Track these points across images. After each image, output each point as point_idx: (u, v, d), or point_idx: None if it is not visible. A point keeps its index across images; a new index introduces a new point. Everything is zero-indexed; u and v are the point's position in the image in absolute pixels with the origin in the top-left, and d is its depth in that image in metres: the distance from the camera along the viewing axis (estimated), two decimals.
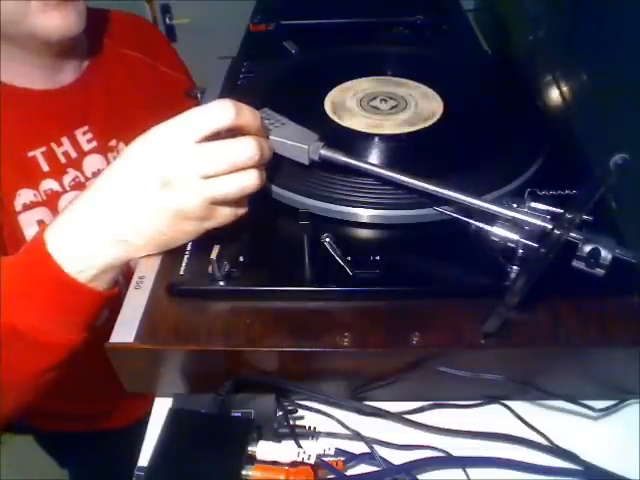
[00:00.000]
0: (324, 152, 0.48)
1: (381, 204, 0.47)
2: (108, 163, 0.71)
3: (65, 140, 0.68)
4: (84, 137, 0.70)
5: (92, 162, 0.70)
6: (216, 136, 0.42)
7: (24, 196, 0.64)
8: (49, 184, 0.66)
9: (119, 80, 0.74)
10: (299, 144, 0.48)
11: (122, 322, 0.42)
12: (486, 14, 0.93)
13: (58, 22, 0.59)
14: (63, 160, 0.67)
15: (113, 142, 0.72)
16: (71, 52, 0.68)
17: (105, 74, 0.73)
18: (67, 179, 0.68)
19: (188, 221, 0.42)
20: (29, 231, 0.64)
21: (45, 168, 0.66)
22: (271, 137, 0.48)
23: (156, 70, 0.79)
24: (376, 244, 0.46)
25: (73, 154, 0.68)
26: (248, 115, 0.42)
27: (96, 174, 0.70)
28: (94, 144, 0.70)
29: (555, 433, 0.40)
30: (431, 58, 0.68)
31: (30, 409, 0.53)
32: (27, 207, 0.64)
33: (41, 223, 0.64)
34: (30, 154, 0.65)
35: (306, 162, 0.48)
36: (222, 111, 0.41)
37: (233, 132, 0.42)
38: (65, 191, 0.67)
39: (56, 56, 0.66)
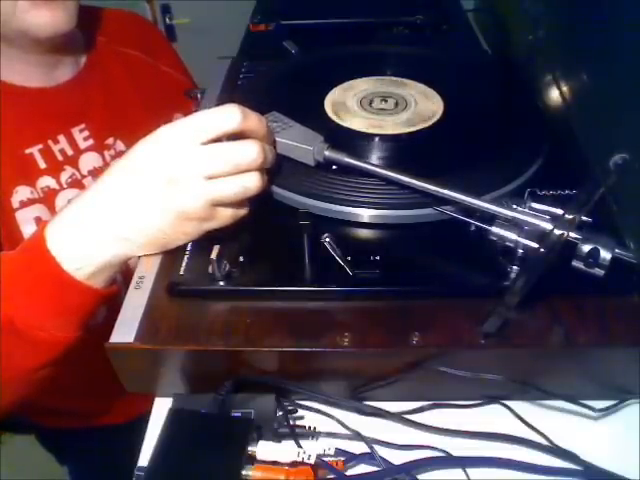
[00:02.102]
0: (328, 153, 0.48)
1: (381, 204, 0.47)
2: (104, 161, 0.71)
3: (62, 138, 0.68)
4: (81, 135, 0.70)
5: (88, 160, 0.70)
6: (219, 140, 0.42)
7: (21, 193, 0.64)
8: (46, 181, 0.66)
9: (117, 79, 0.74)
10: (304, 146, 0.48)
11: (122, 322, 0.42)
12: (486, 14, 0.93)
13: (46, 19, 0.59)
14: (60, 157, 0.68)
15: (110, 140, 0.72)
16: (65, 49, 0.68)
17: (103, 72, 0.73)
18: (64, 176, 0.68)
19: (189, 222, 0.43)
20: (26, 228, 0.64)
21: (42, 165, 0.66)
22: (277, 139, 0.49)
23: (157, 70, 0.79)
24: (376, 244, 0.46)
25: (69, 152, 0.68)
26: (254, 120, 0.43)
27: (92, 172, 0.70)
28: (91, 142, 0.70)
29: (555, 433, 0.40)
30: (431, 58, 0.68)
31: (27, 405, 0.53)
32: (24, 204, 0.64)
33: (38, 220, 0.65)
34: (27, 151, 0.65)
35: (312, 163, 0.49)
36: (228, 115, 0.42)
37: (237, 136, 0.43)
38: (62, 188, 0.67)
39: (50, 53, 0.66)
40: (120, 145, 0.72)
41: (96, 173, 0.69)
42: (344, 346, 0.40)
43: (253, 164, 0.42)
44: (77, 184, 0.68)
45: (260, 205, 0.46)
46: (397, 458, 0.39)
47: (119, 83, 0.74)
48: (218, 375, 0.41)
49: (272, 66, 0.69)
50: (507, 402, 0.42)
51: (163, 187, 0.41)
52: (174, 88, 0.76)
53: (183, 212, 0.42)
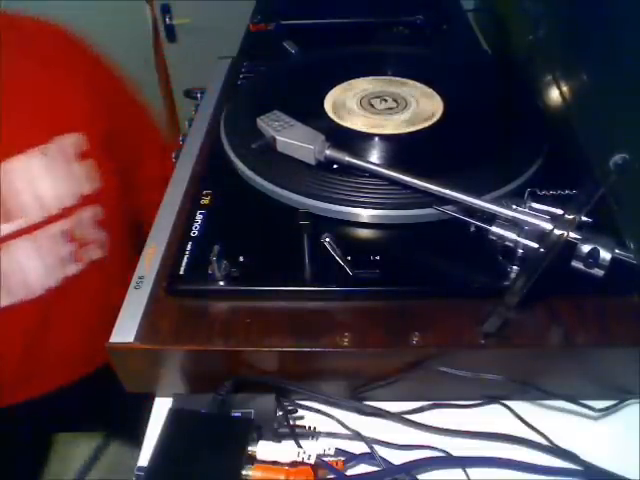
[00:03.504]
0: (330, 152, 0.48)
1: (381, 204, 0.47)
2: None
3: None
4: None
5: None
6: None
7: None
8: None
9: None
10: (306, 145, 0.48)
11: (122, 322, 0.42)
12: (486, 14, 0.93)
13: None
14: None
15: None
16: None
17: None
18: None
19: None
20: None
21: None
22: (279, 138, 0.49)
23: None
24: (376, 244, 0.46)
25: None
26: None
27: None
28: None
29: (555, 433, 0.40)
30: (431, 58, 0.68)
31: None
32: None
33: None
34: None
35: (312, 162, 0.49)
36: None
37: None
38: None
39: None
40: None
41: None
42: (344, 346, 0.40)
43: None
44: None
45: (260, 205, 0.46)
46: (397, 458, 0.39)
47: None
48: (218, 375, 0.41)
49: (272, 66, 0.69)
50: (507, 402, 0.42)
51: None
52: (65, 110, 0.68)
53: None
